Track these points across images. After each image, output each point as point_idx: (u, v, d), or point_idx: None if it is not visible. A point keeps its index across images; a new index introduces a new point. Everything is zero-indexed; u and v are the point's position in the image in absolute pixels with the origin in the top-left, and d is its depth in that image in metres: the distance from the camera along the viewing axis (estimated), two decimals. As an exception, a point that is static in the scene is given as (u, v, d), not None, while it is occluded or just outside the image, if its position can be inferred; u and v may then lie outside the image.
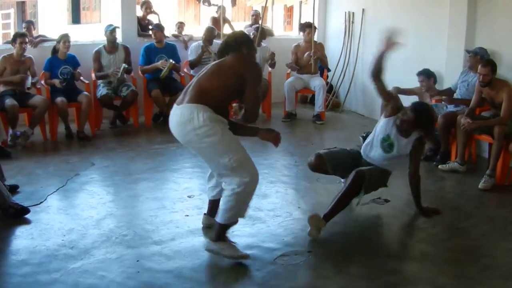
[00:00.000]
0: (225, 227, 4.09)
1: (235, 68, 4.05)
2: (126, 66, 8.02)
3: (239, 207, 4.02)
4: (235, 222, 4.12)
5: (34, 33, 9.01)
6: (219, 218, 4.08)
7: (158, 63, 8.22)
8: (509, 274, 3.99)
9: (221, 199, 4.12)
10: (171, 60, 8.27)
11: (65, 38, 7.66)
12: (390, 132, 4.81)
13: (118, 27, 8.25)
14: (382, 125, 4.88)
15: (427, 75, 7.22)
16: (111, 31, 8.06)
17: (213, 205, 4.60)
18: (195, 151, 4.24)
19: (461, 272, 4.00)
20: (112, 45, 8.14)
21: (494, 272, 4.01)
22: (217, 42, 8.78)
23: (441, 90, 7.09)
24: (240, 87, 4.01)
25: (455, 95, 6.77)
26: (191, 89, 4.11)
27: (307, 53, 8.71)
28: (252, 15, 10.49)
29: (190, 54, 8.80)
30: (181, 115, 4.09)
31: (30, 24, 9.04)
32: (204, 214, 4.69)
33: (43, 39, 8.54)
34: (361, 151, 5.03)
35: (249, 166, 4.00)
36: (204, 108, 3.94)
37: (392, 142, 4.81)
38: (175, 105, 4.24)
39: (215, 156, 4.00)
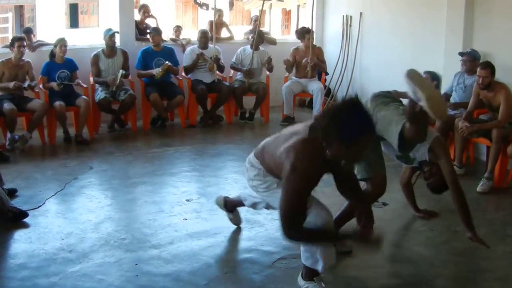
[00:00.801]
0: (309, 269, 3.62)
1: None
2: (124, 72, 8.02)
3: (311, 251, 3.51)
4: (316, 271, 3.59)
5: (33, 40, 8.99)
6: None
7: (153, 71, 8.24)
8: (507, 277, 4.00)
9: None
10: (166, 62, 8.29)
11: (61, 42, 7.67)
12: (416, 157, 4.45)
13: (117, 32, 8.26)
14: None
15: (432, 76, 7.26)
16: (110, 36, 8.07)
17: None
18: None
19: (459, 274, 4.02)
20: (110, 49, 8.15)
21: (492, 274, 4.02)
22: (212, 46, 8.83)
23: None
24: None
25: (452, 98, 6.78)
26: (260, 148, 3.72)
27: (305, 59, 8.74)
28: (255, 20, 10.43)
29: (185, 58, 8.82)
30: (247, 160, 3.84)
31: (30, 33, 8.99)
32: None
33: (42, 43, 8.55)
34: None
35: (318, 209, 3.44)
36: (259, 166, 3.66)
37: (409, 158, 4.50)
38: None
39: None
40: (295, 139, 3.21)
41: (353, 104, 3.02)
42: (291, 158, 3.13)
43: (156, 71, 8.21)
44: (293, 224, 3.18)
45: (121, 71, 7.99)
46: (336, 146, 3.01)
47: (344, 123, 2.96)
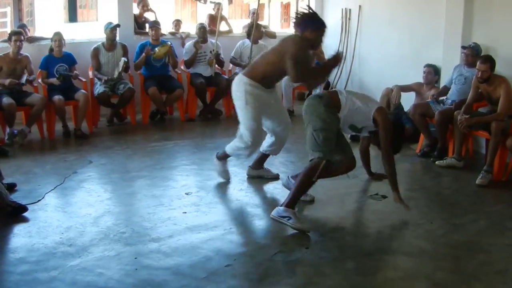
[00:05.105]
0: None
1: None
2: (126, 59, 8.01)
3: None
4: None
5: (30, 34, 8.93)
6: None
7: (151, 51, 8.25)
8: (506, 270, 4.00)
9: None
10: (168, 42, 8.29)
11: (56, 37, 7.66)
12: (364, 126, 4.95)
13: (119, 25, 8.24)
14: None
15: (434, 70, 7.25)
16: (111, 29, 8.06)
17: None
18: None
19: (458, 267, 4.02)
20: (111, 43, 8.13)
21: (491, 267, 4.02)
22: (212, 40, 8.82)
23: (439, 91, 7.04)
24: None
25: (451, 91, 6.78)
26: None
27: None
28: (253, 13, 10.39)
29: (185, 53, 8.82)
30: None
31: (24, 28, 8.88)
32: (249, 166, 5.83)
33: (40, 38, 8.54)
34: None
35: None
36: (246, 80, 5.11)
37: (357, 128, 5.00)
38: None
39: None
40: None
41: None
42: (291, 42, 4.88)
43: (154, 50, 8.21)
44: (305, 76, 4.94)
45: (123, 59, 7.98)
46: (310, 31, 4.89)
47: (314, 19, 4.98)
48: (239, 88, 5.14)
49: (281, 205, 4.55)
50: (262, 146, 5.67)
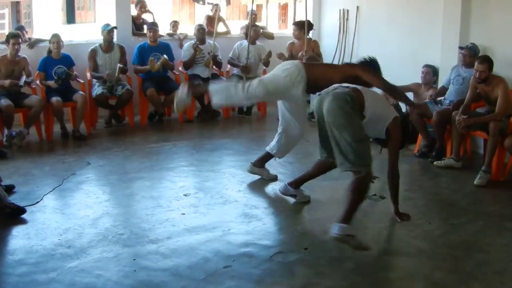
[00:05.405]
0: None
1: None
2: (122, 65, 8.01)
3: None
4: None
5: (26, 37, 8.91)
6: None
7: (149, 66, 8.25)
8: (504, 270, 4.01)
9: None
10: (164, 56, 8.29)
11: (54, 39, 7.66)
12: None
13: (116, 28, 8.24)
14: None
15: (433, 70, 7.25)
16: (108, 31, 8.05)
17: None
18: None
19: (456, 267, 4.02)
20: (108, 44, 8.13)
21: (489, 267, 4.03)
22: (210, 41, 8.82)
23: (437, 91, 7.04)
24: None
25: (449, 91, 6.78)
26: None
27: (300, 52, 8.71)
28: (252, 15, 10.40)
29: (184, 55, 8.82)
30: None
31: (22, 30, 8.88)
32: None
33: (39, 40, 8.52)
34: None
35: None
36: None
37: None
38: None
39: None
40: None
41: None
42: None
43: (153, 65, 8.21)
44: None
45: (118, 65, 7.98)
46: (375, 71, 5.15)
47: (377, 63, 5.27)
48: (291, 69, 5.09)
49: (342, 222, 4.22)
50: (270, 145, 5.75)
